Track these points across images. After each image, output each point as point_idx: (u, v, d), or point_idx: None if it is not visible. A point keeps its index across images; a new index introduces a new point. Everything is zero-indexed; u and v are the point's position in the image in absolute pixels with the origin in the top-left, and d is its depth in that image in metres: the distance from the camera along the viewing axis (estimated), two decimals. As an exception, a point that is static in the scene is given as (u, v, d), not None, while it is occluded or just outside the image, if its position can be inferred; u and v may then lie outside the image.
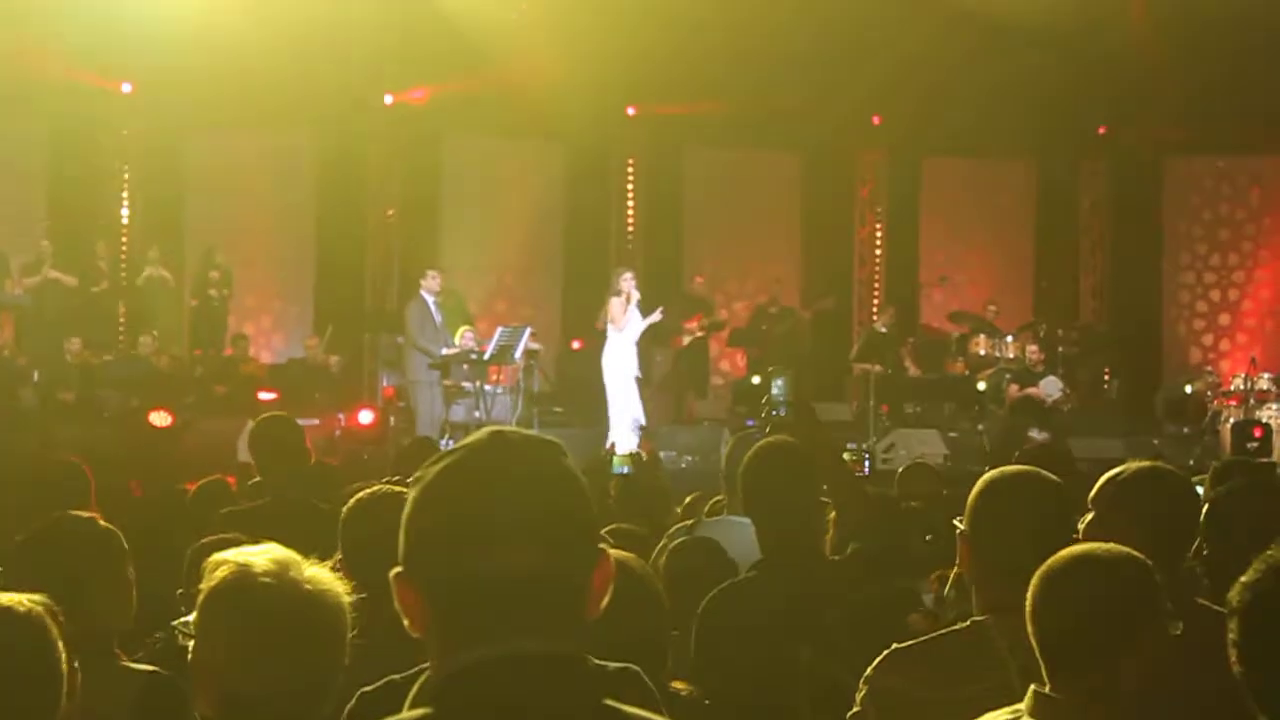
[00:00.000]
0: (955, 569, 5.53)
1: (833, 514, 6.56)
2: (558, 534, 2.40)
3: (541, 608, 2.38)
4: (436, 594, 2.39)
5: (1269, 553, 2.75)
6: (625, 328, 20.81)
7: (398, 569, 2.42)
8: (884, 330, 24.02)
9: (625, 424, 20.73)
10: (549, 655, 2.38)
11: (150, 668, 4.74)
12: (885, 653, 4.11)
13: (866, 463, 9.81)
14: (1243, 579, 2.74)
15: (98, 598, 4.66)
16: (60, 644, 3.31)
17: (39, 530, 5.06)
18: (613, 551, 4.91)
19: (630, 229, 26.27)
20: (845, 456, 8.98)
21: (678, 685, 4.89)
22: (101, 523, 5.18)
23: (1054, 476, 4.25)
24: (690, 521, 8.04)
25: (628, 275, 21.09)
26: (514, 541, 2.36)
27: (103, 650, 4.62)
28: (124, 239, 24.05)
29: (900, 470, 9.40)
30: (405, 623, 2.44)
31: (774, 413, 20.45)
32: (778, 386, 19.98)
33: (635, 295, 20.80)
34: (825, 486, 6.36)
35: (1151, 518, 4.62)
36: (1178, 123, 25.36)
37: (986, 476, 4.22)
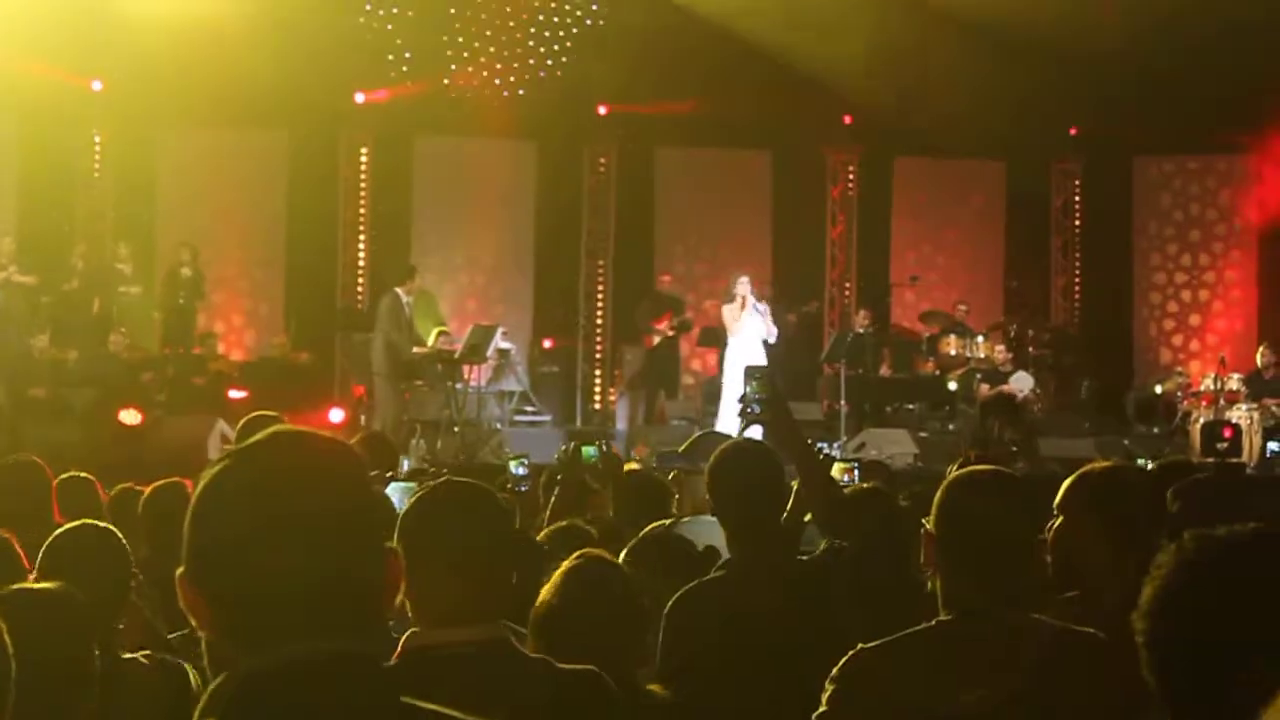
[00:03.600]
0: None
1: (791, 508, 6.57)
2: (336, 534, 2.33)
3: (325, 609, 2.31)
4: (216, 596, 2.33)
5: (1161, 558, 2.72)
6: (740, 331, 20.96)
7: (180, 569, 2.36)
8: (862, 331, 24.05)
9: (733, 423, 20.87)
10: (337, 655, 2.31)
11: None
12: (851, 652, 4.11)
13: (857, 471, 9.70)
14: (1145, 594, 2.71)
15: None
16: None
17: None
18: (590, 551, 4.93)
19: (602, 228, 26.26)
20: (837, 469, 8.93)
21: (654, 688, 4.89)
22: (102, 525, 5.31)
23: (1019, 475, 4.26)
24: (669, 520, 8.06)
25: (743, 279, 21.27)
26: (289, 543, 2.29)
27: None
28: (94, 238, 23.95)
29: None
30: (193, 623, 2.38)
31: (750, 410, 20.49)
32: (752, 386, 20.02)
33: (750, 298, 20.93)
34: (797, 484, 6.38)
35: (1120, 517, 4.68)
36: (1149, 123, 25.41)
37: (953, 475, 4.23)
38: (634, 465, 12.26)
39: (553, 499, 8.44)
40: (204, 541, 2.34)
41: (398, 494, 6.53)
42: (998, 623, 4.01)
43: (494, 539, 4.00)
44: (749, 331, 20.98)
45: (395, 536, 3.87)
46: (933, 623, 4.09)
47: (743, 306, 20.97)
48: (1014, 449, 20.43)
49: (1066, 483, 4.89)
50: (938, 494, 4.18)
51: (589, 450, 9.61)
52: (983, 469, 4.34)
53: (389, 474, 7.60)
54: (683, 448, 8.05)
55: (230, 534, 2.32)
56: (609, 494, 8.83)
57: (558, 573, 4.75)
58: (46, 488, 7.26)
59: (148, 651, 5.02)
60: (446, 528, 3.93)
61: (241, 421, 8.16)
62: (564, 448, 9.09)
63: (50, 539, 5.31)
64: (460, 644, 3.82)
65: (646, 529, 7.55)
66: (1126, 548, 4.64)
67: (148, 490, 7.99)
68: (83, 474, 8.66)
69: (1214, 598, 2.59)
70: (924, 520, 4.20)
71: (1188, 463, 10.12)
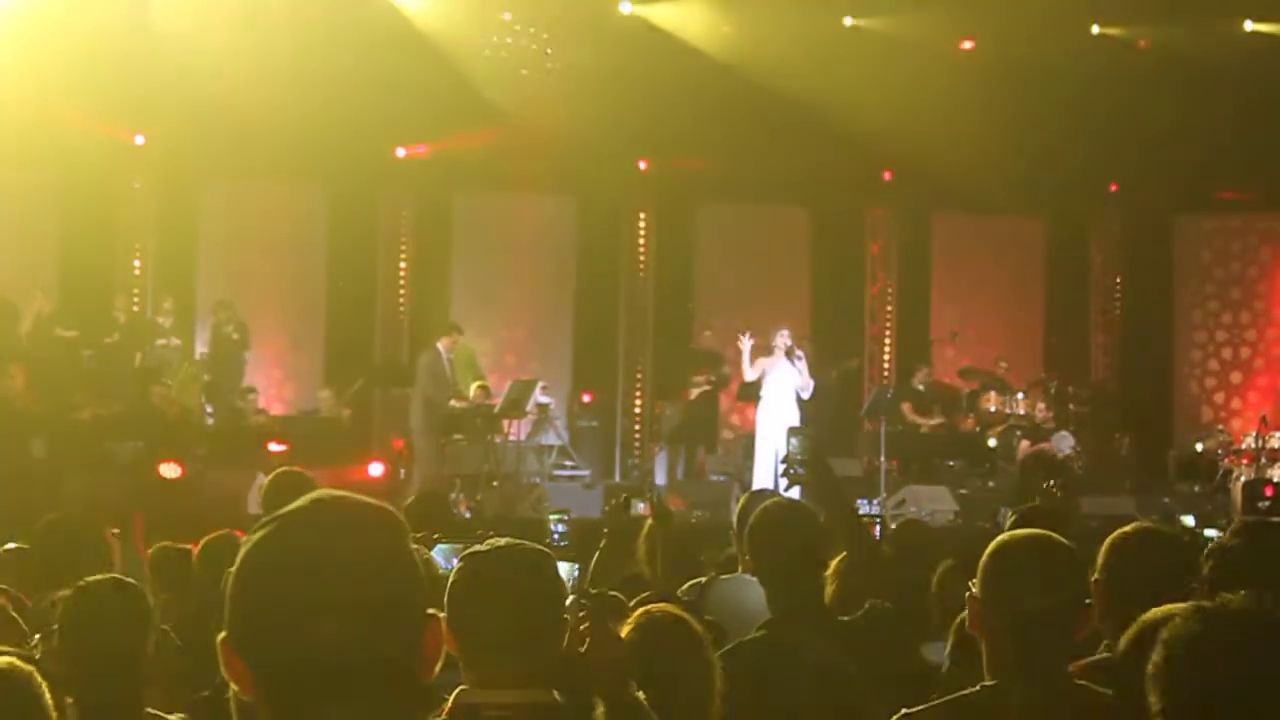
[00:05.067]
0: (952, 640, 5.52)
1: (830, 568, 6.54)
2: (374, 605, 2.32)
3: (361, 678, 2.32)
4: (257, 663, 2.33)
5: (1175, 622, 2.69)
6: (769, 382, 20.86)
7: (223, 634, 2.37)
8: (921, 388, 24.08)
9: (769, 475, 20.70)
10: None
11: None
12: (894, 718, 4.10)
13: (878, 527, 9.65)
14: (1163, 637, 2.68)
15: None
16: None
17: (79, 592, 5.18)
18: (663, 606, 4.92)
19: (641, 282, 26.28)
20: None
21: None
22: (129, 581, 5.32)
23: (1065, 540, 4.24)
24: (704, 579, 8.03)
25: (783, 331, 21.16)
26: (330, 613, 2.29)
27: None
28: (136, 291, 24.07)
29: (893, 526, 9.32)
30: (234, 688, 2.38)
31: (793, 470, 20.39)
32: (794, 445, 19.93)
33: (781, 347, 20.81)
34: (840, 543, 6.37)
35: (1153, 578, 4.68)
36: (1189, 180, 25.38)
37: (999, 539, 4.21)
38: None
39: (598, 552, 8.41)
40: (244, 609, 2.35)
41: (443, 555, 6.53)
42: (1043, 688, 3.98)
43: (545, 607, 3.97)
44: (780, 384, 20.88)
45: (444, 601, 3.87)
46: (977, 687, 4.07)
47: (787, 355, 20.87)
48: (1049, 507, 20.32)
49: (1106, 543, 4.90)
50: (982, 559, 4.16)
51: (638, 503, 9.63)
52: (1027, 532, 4.32)
53: (435, 535, 7.57)
54: (736, 516, 7.96)
55: (269, 603, 2.32)
56: (655, 546, 8.75)
57: (627, 627, 4.74)
58: (103, 544, 7.29)
59: (155, 710, 5.01)
60: (496, 599, 3.90)
61: (270, 476, 8.17)
62: (613, 500, 9.05)
63: (70, 594, 5.31)
64: (508, 706, 3.81)
65: (682, 590, 7.53)
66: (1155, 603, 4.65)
67: (201, 543, 8.04)
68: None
69: (1222, 676, 2.56)
70: (970, 583, 4.18)
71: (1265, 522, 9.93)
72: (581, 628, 4.05)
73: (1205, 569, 4.99)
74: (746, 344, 20.98)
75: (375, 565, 2.35)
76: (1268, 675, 2.54)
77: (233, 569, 2.38)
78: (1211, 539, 5.56)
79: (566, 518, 10.76)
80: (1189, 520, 18.79)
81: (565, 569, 4.48)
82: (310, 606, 2.30)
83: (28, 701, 3.52)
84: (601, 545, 8.44)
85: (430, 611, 2.43)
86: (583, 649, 4.00)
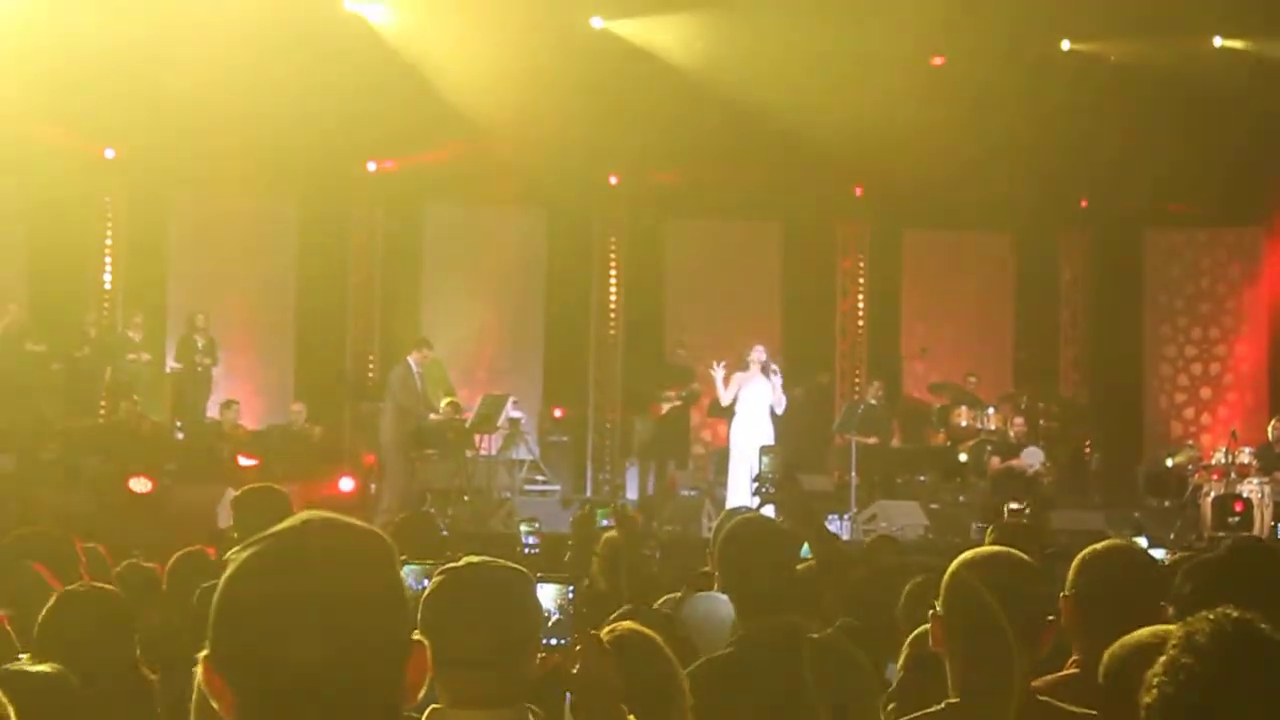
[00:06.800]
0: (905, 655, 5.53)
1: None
2: (360, 628, 2.31)
3: (344, 703, 2.30)
4: (238, 682, 2.31)
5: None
6: (731, 397, 20.83)
7: (205, 652, 2.34)
8: (874, 402, 24.06)
9: (743, 490, 20.67)
10: None
11: None
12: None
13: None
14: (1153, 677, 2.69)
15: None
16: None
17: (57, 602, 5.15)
18: (627, 625, 4.91)
19: (613, 297, 26.29)
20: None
21: None
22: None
23: (1027, 557, 4.25)
24: (678, 594, 8.03)
25: (758, 348, 21.13)
26: (315, 638, 2.27)
27: None
28: (106, 305, 24.03)
29: (865, 543, 9.32)
30: (215, 705, 2.35)
31: (764, 489, 20.41)
32: (765, 463, 19.89)
33: (756, 363, 20.79)
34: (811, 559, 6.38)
35: (1128, 595, 4.70)
36: (1159, 196, 25.45)
37: (961, 558, 4.22)
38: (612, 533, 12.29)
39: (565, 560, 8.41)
40: (228, 629, 2.33)
41: (412, 576, 6.53)
42: (1006, 706, 3.99)
43: (519, 625, 3.97)
44: (755, 400, 20.88)
45: (417, 618, 3.84)
46: (942, 705, 4.08)
47: (763, 371, 20.87)
48: (1024, 523, 20.37)
49: (1078, 559, 4.92)
50: (945, 576, 4.17)
51: (602, 513, 9.62)
52: (989, 550, 4.33)
53: (400, 556, 7.57)
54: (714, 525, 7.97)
55: (253, 624, 2.31)
56: (615, 558, 8.75)
57: None
58: (74, 558, 7.26)
59: None
60: (471, 616, 3.89)
61: (241, 491, 8.12)
62: (579, 510, 9.05)
63: (49, 605, 5.25)
64: (481, 726, 3.81)
65: (659, 604, 7.53)
66: (1129, 621, 4.67)
67: (171, 559, 8.00)
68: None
69: (1225, 692, 2.58)
70: (934, 602, 4.19)
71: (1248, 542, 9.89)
72: (575, 649, 4.04)
73: (1185, 589, 5.01)
74: (719, 374, 21.02)
75: (362, 592, 2.34)
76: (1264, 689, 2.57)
77: (219, 585, 2.35)
78: (1159, 560, 5.63)
79: (537, 526, 10.70)
80: (1141, 541, 18.81)
81: (557, 590, 4.45)
82: (295, 631, 2.28)
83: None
84: (566, 558, 8.45)
85: (415, 638, 2.42)
86: (575, 671, 4.00)
